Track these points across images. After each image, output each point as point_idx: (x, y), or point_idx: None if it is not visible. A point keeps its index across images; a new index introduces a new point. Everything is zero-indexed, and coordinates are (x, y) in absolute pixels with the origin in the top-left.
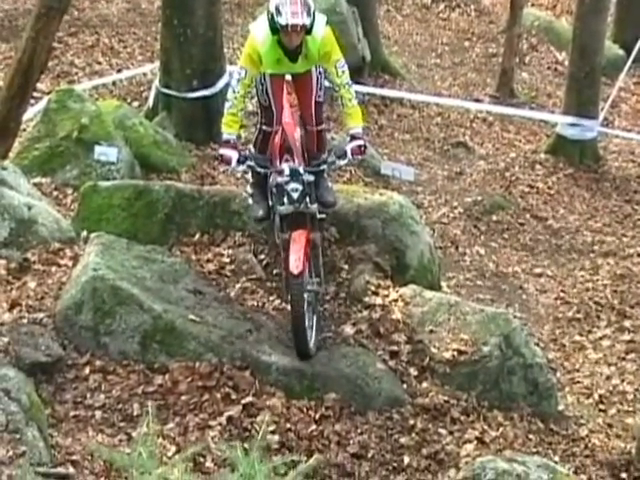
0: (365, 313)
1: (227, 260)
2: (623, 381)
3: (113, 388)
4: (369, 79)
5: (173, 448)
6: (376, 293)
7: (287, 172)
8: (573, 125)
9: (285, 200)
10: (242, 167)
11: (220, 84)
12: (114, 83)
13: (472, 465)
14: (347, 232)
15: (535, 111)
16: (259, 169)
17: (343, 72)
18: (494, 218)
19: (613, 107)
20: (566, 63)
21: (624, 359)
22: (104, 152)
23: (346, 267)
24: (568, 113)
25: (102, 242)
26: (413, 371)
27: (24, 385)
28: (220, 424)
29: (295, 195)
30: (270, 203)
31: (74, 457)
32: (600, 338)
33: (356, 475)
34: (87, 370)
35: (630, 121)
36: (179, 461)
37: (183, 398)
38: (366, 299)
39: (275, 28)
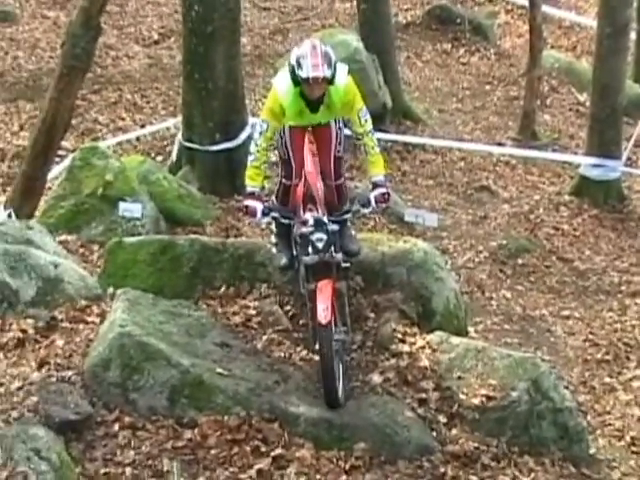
0: (392, 361)
1: (253, 312)
2: None
3: (143, 444)
4: (391, 126)
5: None
6: (403, 341)
7: (311, 222)
8: (596, 166)
9: (310, 250)
10: (267, 219)
11: (242, 136)
12: (138, 138)
13: None
14: (372, 280)
15: (558, 153)
16: (283, 220)
17: (366, 120)
18: (520, 261)
19: (636, 146)
20: (587, 104)
21: None
22: (129, 208)
23: (372, 315)
24: (591, 154)
25: (128, 298)
26: (442, 418)
27: (54, 444)
28: (250, 477)
29: (320, 245)
30: (294, 253)
31: None
32: (630, 379)
33: None
34: (116, 427)
35: None
36: None
37: (212, 452)
38: (393, 347)
39: (297, 80)
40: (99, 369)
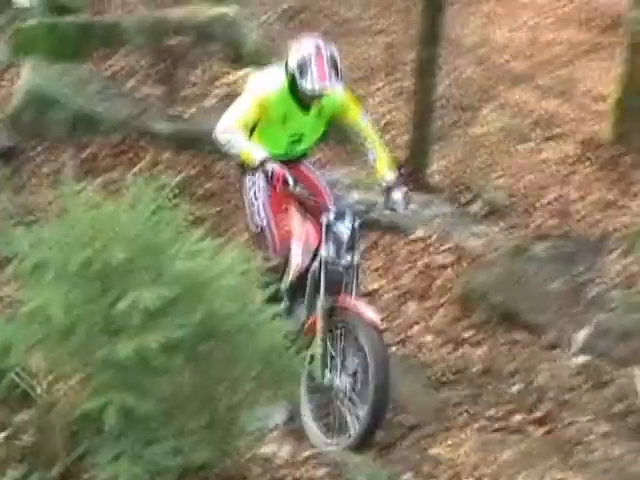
0: (219, 90)
1: (122, 65)
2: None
3: (56, 160)
4: None
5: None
6: (230, 74)
7: (333, 210)
8: None
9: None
10: (298, 188)
11: None
12: None
13: None
14: (201, 37)
15: None
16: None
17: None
18: (303, 16)
19: None
20: None
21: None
22: (21, 1)
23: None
24: None
25: (33, 63)
26: None
27: None
28: (133, 174)
29: (345, 237)
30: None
31: (38, 208)
32: (377, 89)
33: None
34: (35, 152)
35: None
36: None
37: (105, 162)
38: (222, 80)
39: (295, 88)
40: (17, 114)
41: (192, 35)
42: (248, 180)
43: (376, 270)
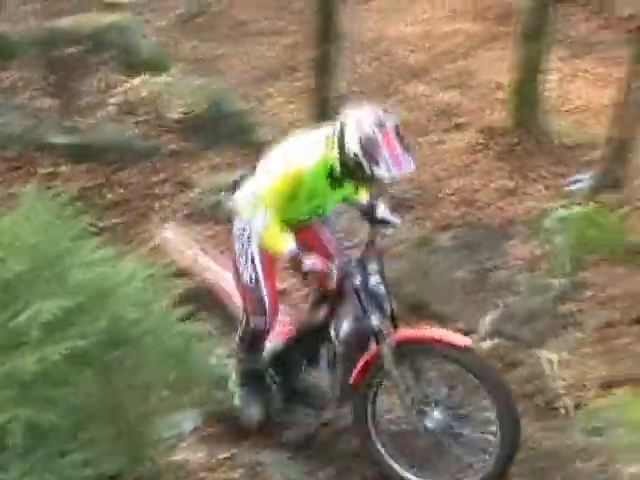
0: (115, 99)
1: (15, 78)
2: None
3: None
4: None
5: None
6: (126, 82)
7: (353, 263)
8: None
9: (363, 303)
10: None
11: None
12: None
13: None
14: (95, 45)
15: None
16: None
17: None
18: (199, 20)
19: None
20: None
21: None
22: None
23: (103, 69)
24: None
25: None
26: (158, 129)
27: None
28: (29, 186)
29: (381, 289)
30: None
31: None
32: (278, 89)
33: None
34: None
35: None
36: None
37: (1, 177)
38: (118, 88)
39: (353, 173)
40: None
41: (85, 44)
42: (237, 224)
43: (286, 269)
